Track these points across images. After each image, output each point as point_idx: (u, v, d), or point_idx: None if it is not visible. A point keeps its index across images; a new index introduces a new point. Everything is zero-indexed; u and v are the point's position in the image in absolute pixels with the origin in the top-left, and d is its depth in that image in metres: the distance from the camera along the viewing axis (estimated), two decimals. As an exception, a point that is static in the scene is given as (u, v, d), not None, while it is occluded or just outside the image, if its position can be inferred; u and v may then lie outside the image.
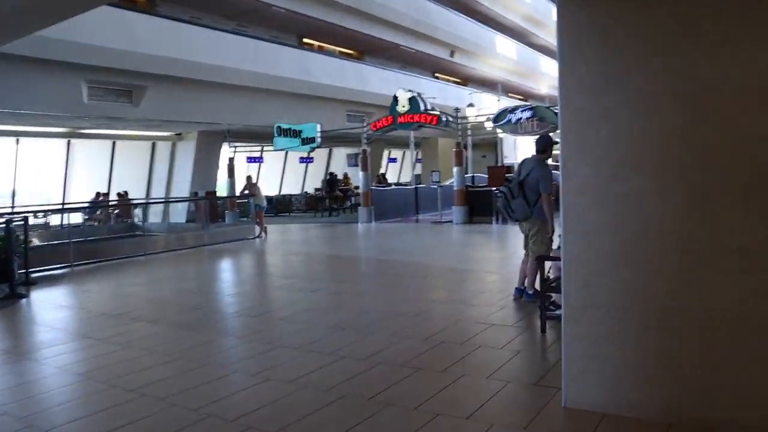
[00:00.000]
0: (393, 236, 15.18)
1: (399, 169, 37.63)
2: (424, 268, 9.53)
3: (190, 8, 18.79)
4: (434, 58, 27.93)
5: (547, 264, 5.89)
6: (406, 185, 25.00)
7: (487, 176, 20.47)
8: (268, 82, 18.86)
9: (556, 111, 16.18)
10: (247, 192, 16.04)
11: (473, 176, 22.40)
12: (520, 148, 27.60)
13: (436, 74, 30.19)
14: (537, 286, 6.25)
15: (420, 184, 23.85)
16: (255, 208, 15.58)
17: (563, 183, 3.60)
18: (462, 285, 8.20)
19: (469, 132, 19.14)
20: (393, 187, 23.36)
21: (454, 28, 27.28)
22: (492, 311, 6.13)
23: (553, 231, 6.24)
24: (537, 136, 6.56)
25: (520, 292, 6.61)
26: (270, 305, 7.39)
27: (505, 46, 32.11)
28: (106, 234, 15.89)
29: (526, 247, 6.55)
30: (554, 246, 6.45)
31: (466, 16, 28.46)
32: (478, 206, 16.87)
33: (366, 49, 25.39)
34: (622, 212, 3.51)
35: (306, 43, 22.72)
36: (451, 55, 28.59)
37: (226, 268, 11.28)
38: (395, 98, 17.70)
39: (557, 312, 5.18)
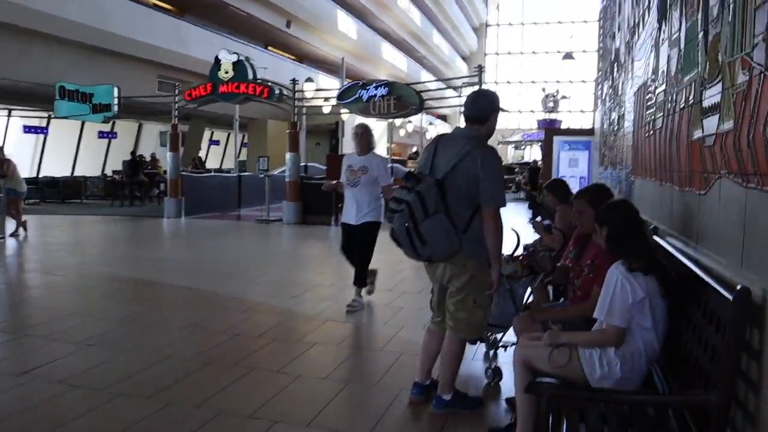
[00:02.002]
0: (202, 241, 11.58)
1: (222, 153, 33.40)
2: (248, 310, 6.21)
3: None
4: (268, 26, 24.22)
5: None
6: (228, 172, 21.19)
7: (324, 167, 17.49)
8: (48, 24, 14.21)
9: (416, 91, 13.70)
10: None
11: (306, 165, 19.31)
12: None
13: (270, 47, 26.54)
14: (459, 385, 3.36)
15: (245, 171, 20.32)
16: (9, 195, 11.17)
17: None
18: (307, 360, 5.05)
19: (305, 112, 16.03)
20: (212, 174, 19.36)
21: (292, -8, 23.85)
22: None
23: (499, 282, 3.34)
24: (468, 97, 3.21)
25: (422, 390, 3.59)
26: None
27: (346, 23, 29.25)
28: None
29: (438, 307, 3.58)
30: (494, 309, 3.53)
31: (306, -18, 25.11)
32: (315, 203, 13.78)
33: (188, 5, 21.09)
34: None
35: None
36: (288, 25, 25.10)
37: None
38: (217, 61, 14.01)
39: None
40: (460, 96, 14.20)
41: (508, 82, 50.05)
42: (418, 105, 12.19)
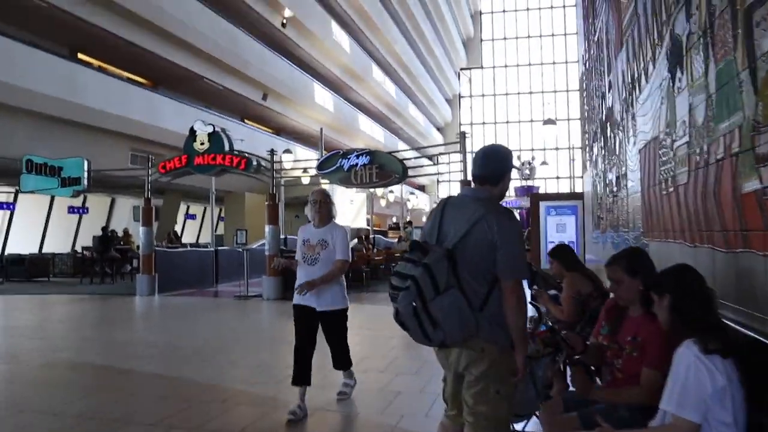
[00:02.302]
0: (176, 321, 10.87)
1: (198, 227, 32.77)
2: (227, 400, 5.54)
3: None
4: (244, 99, 24.15)
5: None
6: (205, 247, 20.53)
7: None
8: (15, 96, 13.80)
9: (398, 159, 13.41)
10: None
11: (286, 238, 18.78)
12: (340, 207, 24.59)
13: (246, 120, 26.44)
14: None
15: (222, 246, 19.69)
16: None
17: None
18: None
19: (283, 183, 15.65)
20: (187, 249, 18.71)
21: (268, 66, 23.87)
22: None
23: (525, 367, 2.79)
24: (477, 155, 2.69)
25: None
26: None
27: (323, 96, 29.41)
28: None
29: (453, 399, 2.99)
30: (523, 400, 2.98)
31: (282, 56, 25.24)
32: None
33: (162, 78, 20.94)
34: None
35: (82, 60, 17.77)
36: (264, 98, 25.06)
37: None
38: (192, 132, 13.65)
39: None
40: (436, 164, 13.94)
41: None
42: (401, 173, 11.87)
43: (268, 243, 13.29)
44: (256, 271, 14.32)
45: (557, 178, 52.99)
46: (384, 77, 37.19)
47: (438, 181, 52.81)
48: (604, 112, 7.68)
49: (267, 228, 13.19)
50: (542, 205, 12.75)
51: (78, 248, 22.27)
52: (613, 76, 6.95)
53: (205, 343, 8.18)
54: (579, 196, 13.37)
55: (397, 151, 16.67)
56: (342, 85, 32.48)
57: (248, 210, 24.89)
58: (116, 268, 18.72)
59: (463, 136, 11.21)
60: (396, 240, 23.70)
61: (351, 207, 29.75)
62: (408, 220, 28.36)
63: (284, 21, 24.58)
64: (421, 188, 43.79)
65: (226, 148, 13.44)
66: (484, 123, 52.85)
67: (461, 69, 56.05)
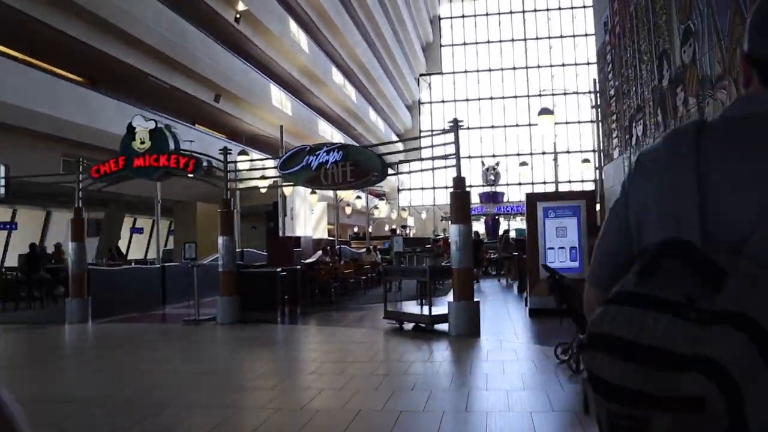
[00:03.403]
0: (107, 359, 8.78)
1: (146, 242, 30.27)
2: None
3: None
4: (195, 100, 21.97)
5: None
6: (152, 263, 18.30)
7: (265, 252, 15.10)
8: None
9: (377, 155, 11.58)
10: None
11: (242, 251, 16.81)
12: (301, 217, 22.76)
13: (198, 123, 24.26)
14: None
15: (171, 261, 17.57)
16: None
17: None
18: None
19: (239, 188, 13.69)
20: (130, 266, 16.46)
21: (221, 64, 21.82)
22: None
23: None
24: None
25: None
26: None
27: (280, 98, 27.45)
28: None
29: None
30: None
31: (236, 54, 23.23)
32: (255, 296, 11.27)
33: (101, 75, 18.67)
34: None
35: (3, 52, 15.43)
36: (216, 99, 22.95)
37: None
38: (130, 130, 11.58)
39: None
40: (397, 173, 12.23)
41: (445, 157, 49.29)
42: (380, 171, 10.02)
43: (222, 257, 11.30)
44: (211, 290, 12.33)
45: (519, 184, 52.14)
46: (344, 80, 35.50)
47: (399, 190, 51.35)
48: (668, 75, 6.03)
49: (220, 240, 11.21)
50: (540, 206, 11.16)
51: (3, 269, 19.73)
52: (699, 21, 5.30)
53: (144, 389, 6.19)
54: (581, 195, 11.83)
55: (392, 142, 14.87)
56: (301, 88, 30.61)
57: (200, 221, 22.69)
58: (46, 290, 16.32)
59: (456, 122, 9.43)
60: (363, 250, 21.89)
61: (311, 217, 27.87)
62: (392, 228, 26.58)
63: (237, 15, 22.62)
64: (380, 196, 42.12)
65: (171, 147, 11.43)
66: (444, 130, 51.60)
67: (421, 75, 54.83)
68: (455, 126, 9.14)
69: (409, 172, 14.64)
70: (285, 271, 12.15)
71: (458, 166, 9.16)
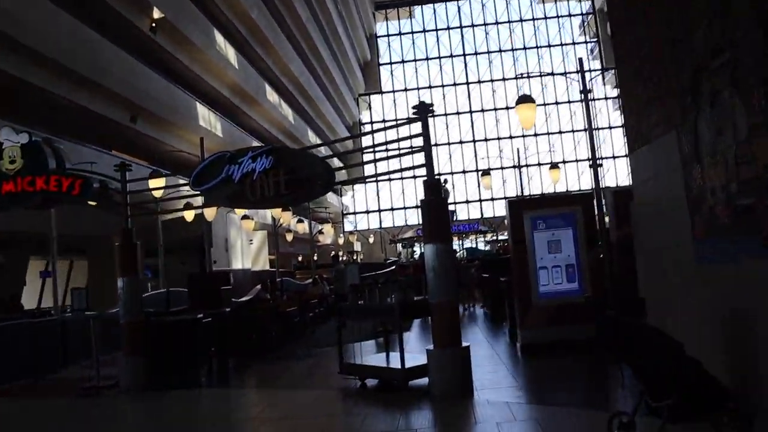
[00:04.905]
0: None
1: (64, 288, 26.75)
2: None
3: None
4: (106, 120, 19.07)
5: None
6: (49, 314, 15.23)
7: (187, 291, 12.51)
8: None
9: (318, 157, 8.97)
10: None
11: (168, 292, 14.11)
12: (238, 247, 20.10)
13: (114, 149, 21.27)
14: None
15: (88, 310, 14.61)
16: None
17: None
18: None
19: (159, 218, 11.08)
20: (19, 321, 13.33)
21: (136, 78, 19.08)
22: None
23: None
24: None
25: None
26: None
27: (209, 118, 24.77)
28: None
29: None
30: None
31: (154, 68, 20.50)
32: (173, 353, 8.63)
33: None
34: None
35: None
36: (133, 120, 20.10)
37: None
38: (-6, 145, 8.85)
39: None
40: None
41: (389, 179, 47.38)
42: (326, 178, 7.59)
43: (123, 304, 8.64)
44: (114, 346, 9.65)
45: (467, 202, 50.66)
46: (279, 100, 33.05)
47: (343, 214, 48.90)
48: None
49: (120, 282, 8.55)
50: (526, 216, 8.98)
51: None
52: None
53: None
54: (577, 200, 9.74)
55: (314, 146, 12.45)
56: (232, 107, 27.99)
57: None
58: None
59: (424, 104, 7.07)
60: (309, 281, 19.42)
61: (250, 248, 25.17)
62: (336, 254, 24.03)
63: (153, 24, 19.98)
64: (322, 221, 39.66)
65: (52, 166, 8.76)
66: (408, 119, 49.99)
67: (360, 94, 53.04)
68: (423, 111, 6.85)
69: (376, 177, 12.30)
70: (210, 316, 9.58)
71: (429, 164, 6.85)
